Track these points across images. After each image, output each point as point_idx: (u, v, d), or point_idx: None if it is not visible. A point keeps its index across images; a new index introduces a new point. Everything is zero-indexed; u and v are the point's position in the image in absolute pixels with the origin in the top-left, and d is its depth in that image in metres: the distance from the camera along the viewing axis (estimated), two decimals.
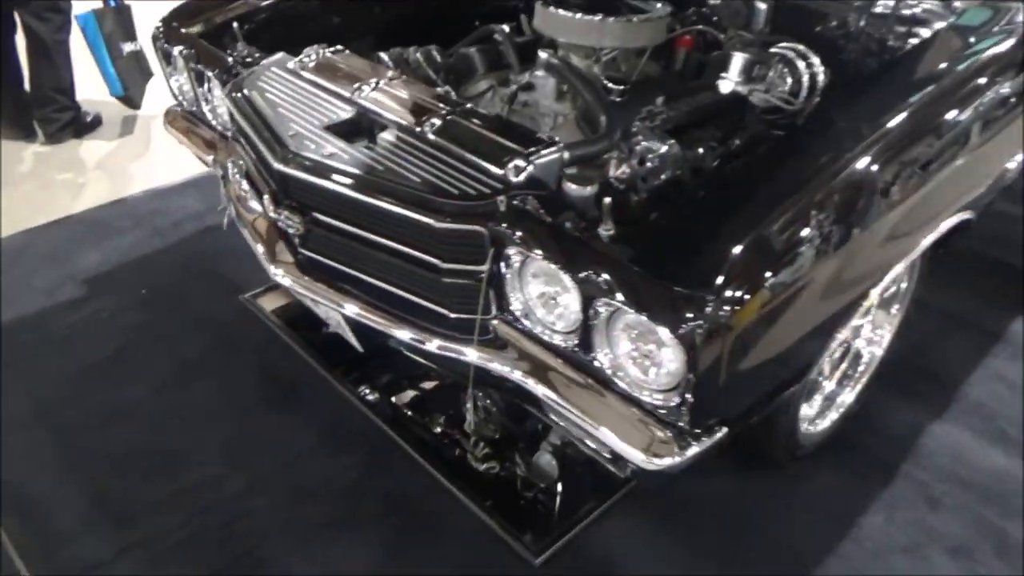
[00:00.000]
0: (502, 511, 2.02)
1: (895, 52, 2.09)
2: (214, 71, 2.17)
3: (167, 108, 2.50)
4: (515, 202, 1.50)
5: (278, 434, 2.20)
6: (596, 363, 1.44)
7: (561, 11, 2.11)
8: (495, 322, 1.61)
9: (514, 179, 1.53)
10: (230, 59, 2.13)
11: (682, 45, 2.35)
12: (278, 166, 1.70)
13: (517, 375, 1.54)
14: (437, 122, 1.70)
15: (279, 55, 2.08)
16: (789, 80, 2.06)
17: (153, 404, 2.30)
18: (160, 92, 3.97)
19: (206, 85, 2.26)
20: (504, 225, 1.48)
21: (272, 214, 1.79)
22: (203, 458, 2.13)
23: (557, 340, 1.50)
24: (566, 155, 1.62)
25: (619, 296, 1.32)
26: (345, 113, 1.81)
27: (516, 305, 1.55)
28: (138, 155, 3.90)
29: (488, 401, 2.21)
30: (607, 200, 1.40)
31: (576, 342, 1.46)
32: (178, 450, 2.15)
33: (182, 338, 2.53)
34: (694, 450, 1.36)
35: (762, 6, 2.24)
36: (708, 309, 1.24)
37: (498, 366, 1.57)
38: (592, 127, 1.99)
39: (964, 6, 2.09)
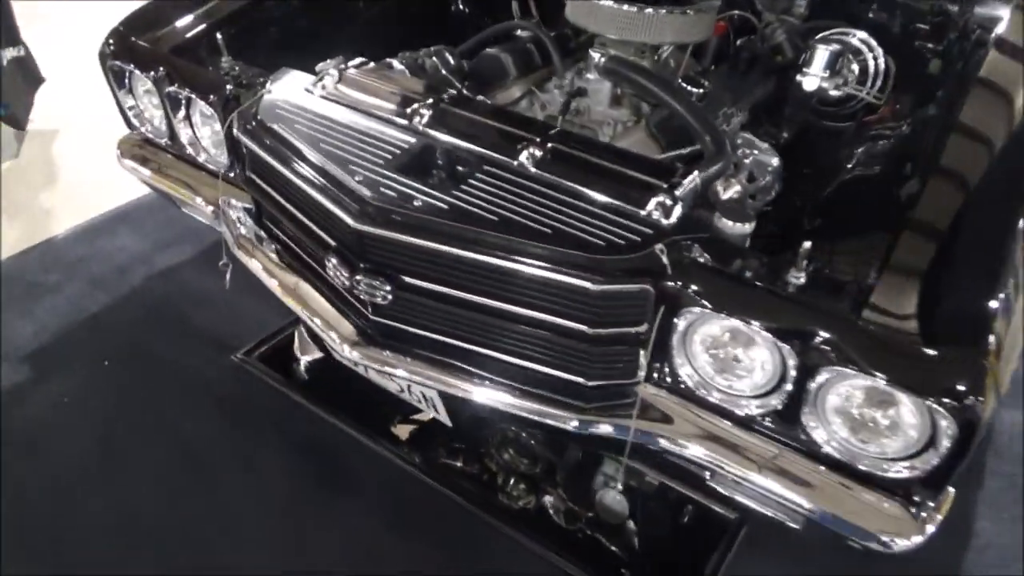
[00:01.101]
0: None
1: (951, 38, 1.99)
2: (202, 96, 1.75)
3: (121, 138, 2.03)
4: (679, 250, 1.27)
5: (339, 521, 1.86)
6: (805, 434, 1.25)
7: (608, 2, 1.85)
8: (650, 389, 1.37)
9: (665, 221, 1.29)
10: (226, 81, 1.72)
11: (715, 33, 2.16)
12: (358, 225, 1.37)
13: (700, 452, 1.32)
14: (537, 153, 1.42)
15: (288, 73, 1.71)
16: (856, 68, 1.92)
17: (171, 512, 1.87)
18: (51, 100, 3.51)
19: (182, 111, 1.84)
20: (675, 280, 1.24)
21: (344, 281, 1.45)
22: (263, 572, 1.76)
23: (745, 409, 1.29)
24: (698, 182, 1.39)
25: (849, 360, 1.13)
26: (404, 145, 1.49)
27: (685, 369, 1.32)
28: (40, 185, 3.25)
29: (522, 434, 2.01)
30: (807, 245, 1.19)
31: (773, 410, 1.26)
32: (228, 567, 1.76)
33: (176, 418, 2.10)
34: (936, 522, 1.20)
35: None
36: (978, 374, 1.07)
37: (669, 444, 1.34)
38: (672, 137, 1.76)
39: None
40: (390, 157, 1.47)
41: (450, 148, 1.47)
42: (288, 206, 1.57)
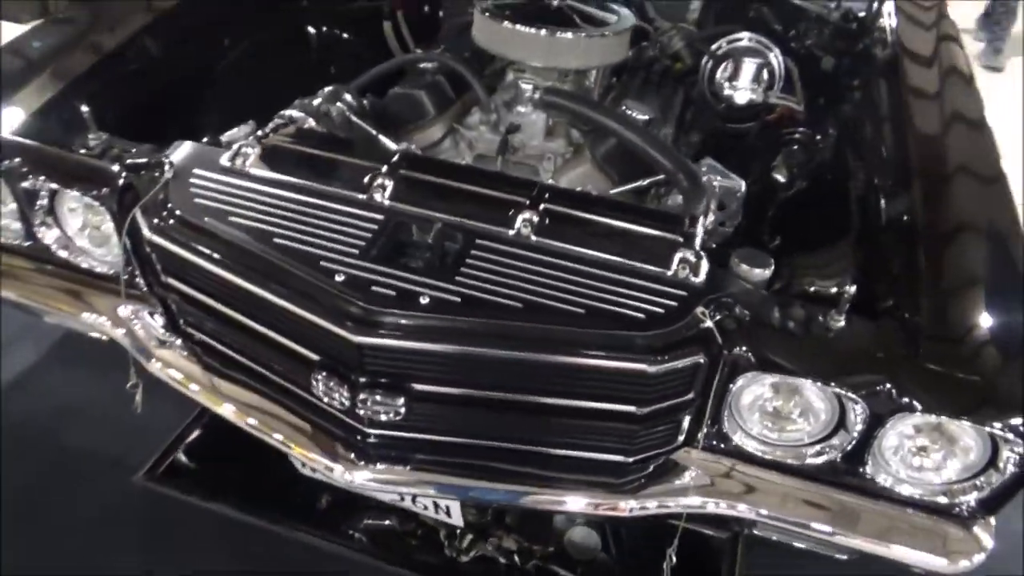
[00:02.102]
0: None
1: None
2: (79, 189, 1.40)
3: None
4: (718, 310, 1.19)
5: None
6: (864, 475, 1.24)
7: (527, 29, 1.72)
8: (697, 454, 1.30)
9: (695, 279, 1.22)
10: (107, 166, 1.38)
11: None
12: (360, 338, 1.15)
13: (762, 511, 1.26)
14: (532, 218, 1.28)
15: (187, 148, 1.41)
16: (765, 74, 1.95)
17: None
18: None
19: (39, 204, 1.46)
20: (727, 346, 1.17)
21: (342, 401, 1.22)
22: None
23: (801, 460, 1.26)
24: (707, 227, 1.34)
25: (912, 401, 1.12)
26: (372, 226, 1.28)
27: (734, 429, 1.26)
28: None
29: None
30: (851, 289, 1.17)
31: (834, 458, 1.24)
32: None
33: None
34: (992, 536, 1.25)
35: None
36: None
37: (728, 508, 1.28)
38: (623, 168, 1.69)
39: None
40: (363, 244, 1.25)
41: (429, 225, 1.28)
42: (241, 319, 1.30)
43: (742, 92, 1.79)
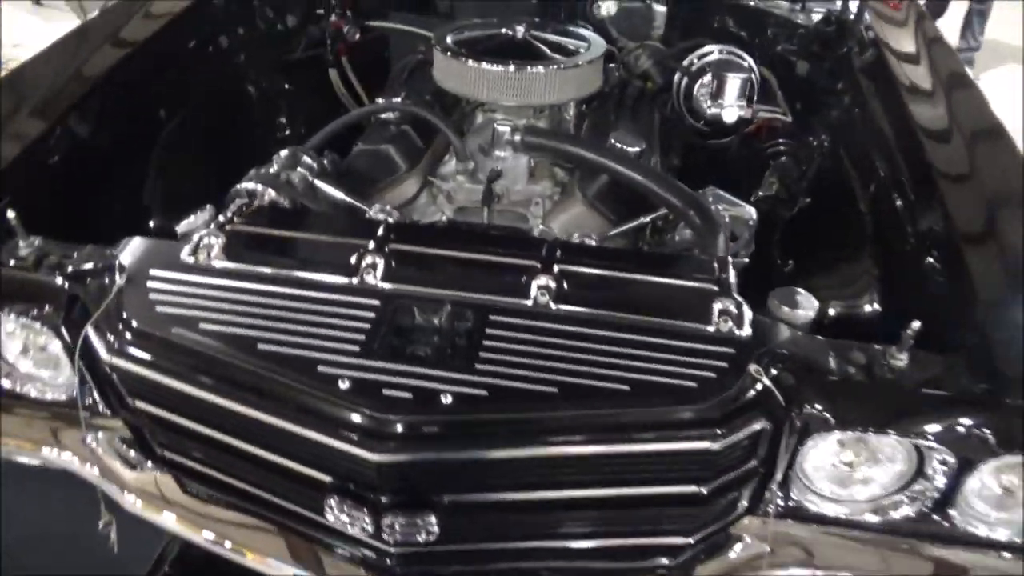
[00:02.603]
0: None
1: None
2: (10, 309, 1.20)
3: None
4: (772, 365, 1.07)
5: None
6: (946, 522, 1.12)
7: (494, 66, 1.58)
8: (760, 523, 1.17)
9: (740, 332, 1.09)
10: (54, 278, 1.18)
11: None
12: (380, 457, 0.98)
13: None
14: (548, 283, 1.13)
15: (137, 244, 1.22)
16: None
17: None
18: None
19: None
20: (791, 407, 1.05)
21: (364, 527, 1.05)
22: None
23: (876, 516, 1.14)
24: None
25: (1013, 443, 1.02)
26: (369, 314, 1.12)
27: (800, 491, 1.14)
28: None
29: None
30: (915, 325, 1.06)
31: (916, 510, 1.12)
32: None
33: None
34: None
35: (661, 9, 1.98)
36: None
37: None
38: (618, 206, 1.56)
39: None
40: (362, 337, 1.08)
41: (434, 305, 1.12)
42: (231, 441, 1.11)
43: (729, 110, 1.68)
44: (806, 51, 1.93)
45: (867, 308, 1.43)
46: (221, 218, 1.27)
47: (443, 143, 1.75)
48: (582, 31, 1.82)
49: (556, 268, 1.16)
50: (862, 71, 1.72)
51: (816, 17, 1.94)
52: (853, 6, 1.88)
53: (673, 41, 2.00)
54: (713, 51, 1.89)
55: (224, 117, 1.87)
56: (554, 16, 2.05)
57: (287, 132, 2.07)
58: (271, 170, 1.57)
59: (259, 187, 1.49)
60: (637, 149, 1.54)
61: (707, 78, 1.82)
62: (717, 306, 1.11)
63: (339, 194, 1.59)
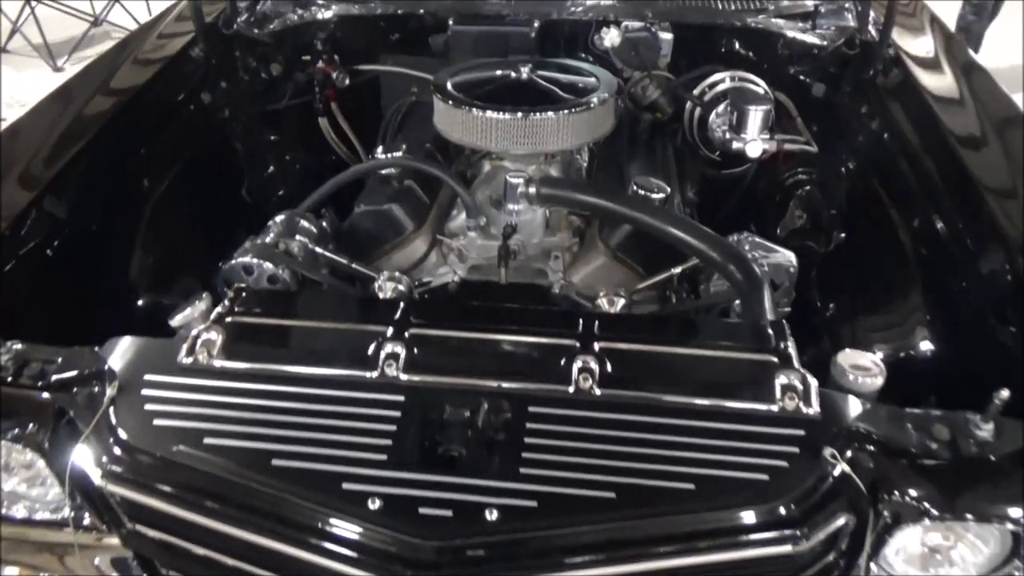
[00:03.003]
0: None
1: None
2: None
3: None
4: (848, 445, 0.96)
5: None
6: None
7: (496, 114, 1.47)
8: None
9: (808, 410, 0.98)
10: (39, 393, 1.05)
11: None
12: None
13: None
14: (590, 364, 1.02)
15: (124, 345, 1.10)
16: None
17: None
18: None
19: None
20: (875, 496, 0.93)
21: None
22: None
23: None
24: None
25: None
26: (393, 413, 1.00)
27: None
28: None
29: None
30: (1004, 394, 0.95)
31: None
32: None
33: None
34: None
35: (667, 36, 1.87)
36: None
37: None
38: (645, 257, 1.45)
39: None
40: (387, 443, 0.96)
41: (465, 398, 1.00)
42: (249, 569, 0.99)
43: (753, 144, 1.58)
44: (821, 72, 1.83)
45: (920, 351, 1.33)
46: (220, 309, 1.14)
47: (449, 195, 1.64)
48: (588, 66, 1.71)
49: (597, 346, 1.05)
50: (889, 93, 1.62)
51: (825, 35, 1.85)
52: (867, 23, 1.79)
53: (681, 69, 1.89)
54: (725, 78, 1.80)
55: (213, 180, 1.75)
56: (554, 50, 1.95)
57: (280, 192, 1.95)
58: (267, 239, 1.46)
59: (255, 261, 1.38)
60: (662, 195, 1.43)
61: (722, 107, 1.73)
62: (780, 380, 1.00)
63: (343, 261, 1.48)
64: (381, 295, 1.41)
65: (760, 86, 1.79)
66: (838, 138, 1.75)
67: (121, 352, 1.09)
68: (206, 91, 1.79)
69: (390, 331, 1.08)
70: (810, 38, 1.84)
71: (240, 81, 1.92)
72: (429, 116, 1.87)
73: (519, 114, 1.46)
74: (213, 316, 1.13)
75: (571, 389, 1.01)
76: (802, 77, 1.89)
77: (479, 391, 1.01)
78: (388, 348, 1.05)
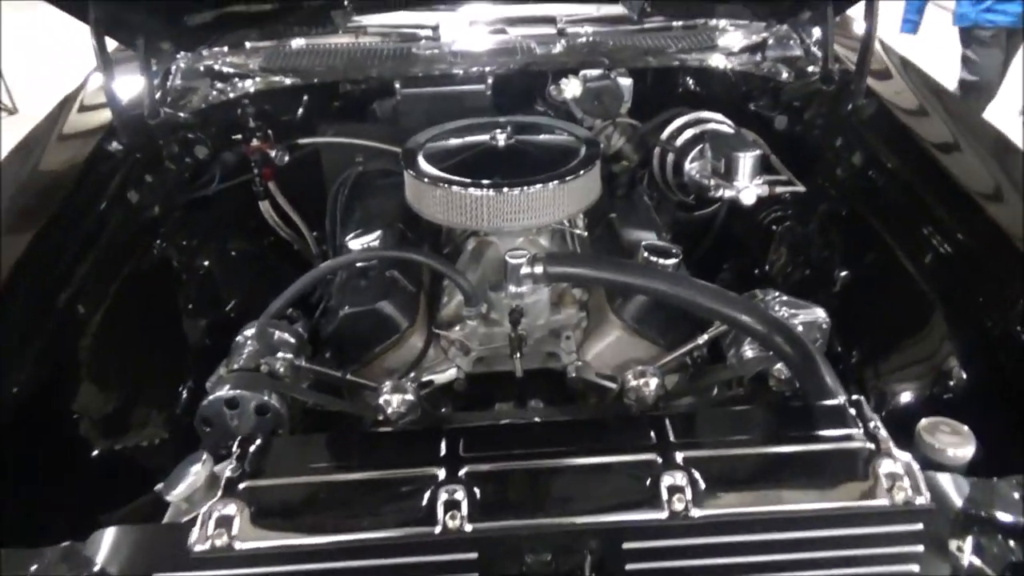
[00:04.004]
0: None
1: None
2: None
3: None
4: (969, 534, 0.89)
5: None
6: None
7: (483, 191, 1.34)
8: None
9: (922, 500, 0.90)
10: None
11: None
12: None
13: None
14: (679, 483, 0.91)
15: (111, 539, 0.90)
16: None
17: None
18: None
19: None
20: None
21: None
22: None
23: None
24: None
25: None
26: (461, 571, 0.86)
27: None
28: None
29: None
30: None
31: None
32: None
33: None
34: None
35: (627, 82, 1.80)
36: None
37: None
38: (664, 327, 1.36)
39: None
40: None
41: (546, 540, 0.87)
42: None
43: (747, 192, 1.52)
44: (783, 106, 1.81)
45: (957, 384, 1.30)
46: (228, 473, 0.96)
47: (434, 278, 1.50)
48: (559, 123, 1.62)
49: (679, 457, 0.94)
50: (865, 124, 1.61)
51: (788, 68, 1.83)
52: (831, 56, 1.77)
53: (644, 115, 1.83)
54: (691, 120, 1.75)
55: (155, 293, 1.53)
56: (509, 105, 1.85)
57: (232, 301, 1.74)
58: (242, 360, 1.27)
59: (238, 393, 1.19)
60: (674, 261, 1.34)
61: (696, 151, 1.67)
62: (882, 469, 0.92)
63: (336, 374, 1.31)
64: (389, 409, 1.26)
65: (728, 125, 1.75)
66: (811, 172, 1.73)
67: (114, 546, 0.89)
68: (131, 189, 1.56)
69: (442, 473, 0.92)
70: (776, 73, 1.82)
71: (166, 172, 1.70)
72: (385, 188, 1.72)
73: (510, 189, 1.34)
74: (223, 483, 0.94)
75: (664, 515, 0.89)
76: (762, 112, 1.87)
77: (561, 531, 0.87)
78: (445, 494, 0.90)
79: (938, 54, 4.03)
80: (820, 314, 1.29)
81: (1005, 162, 1.49)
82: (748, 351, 1.30)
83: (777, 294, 1.32)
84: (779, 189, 1.56)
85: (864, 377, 1.42)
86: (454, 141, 1.52)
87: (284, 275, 1.88)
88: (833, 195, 1.66)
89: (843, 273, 1.55)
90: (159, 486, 1.01)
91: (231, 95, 1.80)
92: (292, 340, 1.33)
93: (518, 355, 1.33)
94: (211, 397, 1.19)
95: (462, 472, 0.93)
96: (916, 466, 0.93)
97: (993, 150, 1.54)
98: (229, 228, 1.86)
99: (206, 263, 1.74)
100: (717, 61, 1.86)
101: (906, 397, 1.38)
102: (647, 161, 1.82)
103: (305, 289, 1.40)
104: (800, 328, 1.27)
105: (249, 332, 1.32)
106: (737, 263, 1.93)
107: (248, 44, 1.88)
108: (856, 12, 1.73)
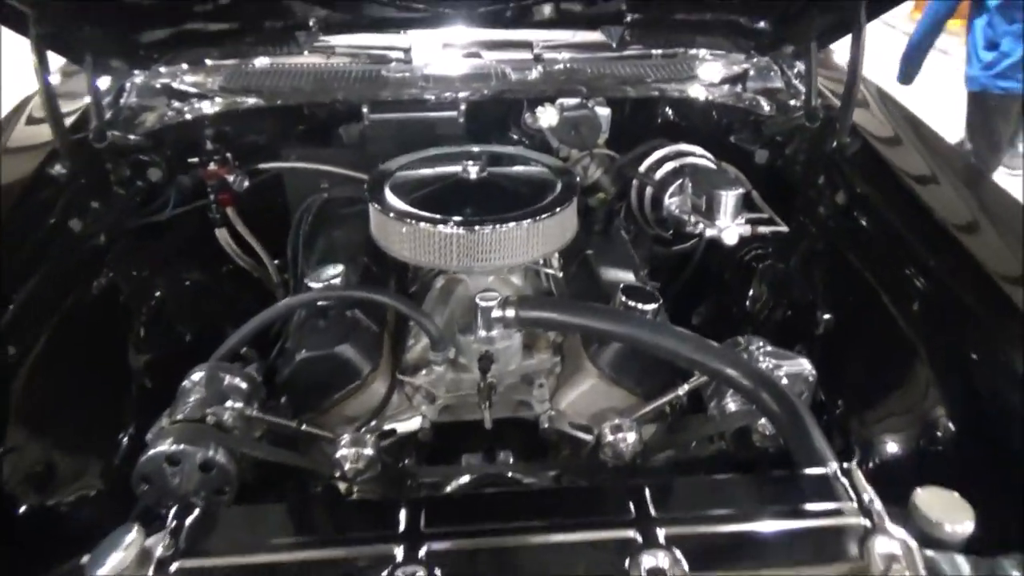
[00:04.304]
0: None
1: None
2: None
3: None
4: None
5: None
6: None
7: (456, 229, 1.26)
8: None
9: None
10: None
11: None
12: None
13: None
14: (661, 564, 0.82)
15: None
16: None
17: None
18: None
19: None
20: None
21: None
22: None
23: None
24: None
25: None
26: None
27: None
28: None
29: None
30: None
31: None
32: None
33: None
34: None
35: (605, 112, 1.74)
36: None
37: None
38: (643, 375, 1.29)
39: None
40: None
41: None
42: None
43: (730, 231, 1.46)
44: (764, 139, 1.76)
45: (944, 435, 1.25)
46: (160, 550, 0.86)
47: (399, 317, 1.41)
48: (537, 155, 1.55)
49: (660, 534, 0.86)
50: (850, 163, 1.56)
51: (768, 101, 1.78)
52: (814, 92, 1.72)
53: (621, 145, 1.76)
54: (670, 152, 1.69)
55: (97, 331, 1.42)
56: (481, 132, 1.77)
57: (185, 336, 1.64)
58: (187, 409, 1.16)
59: (181, 448, 1.09)
60: (654, 306, 1.27)
61: (675, 186, 1.60)
62: (878, 549, 0.85)
63: (289, 424, 1.21)
64: (346, 465, 1.17)
65: (709, 159, 1.69)
66: (792, 209, 1.67)
67: None
68: (74, 217, 1.46)
69: (400, 551, 0.84)
70: (757, 106, 1.77)
71: (114, 196, 1.59)
72: (351, 218, 1.64)
73: (482, 227, 1.26)
74: (154, 563, 0.84)
75: None
76: (743, 144, 1.81)
77: None
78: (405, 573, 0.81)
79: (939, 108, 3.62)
80: (806, 366, 1.22)
81: (991, 202, 1.45)
82: (731, 403, 1.23)
83: (761, 343, 1.25)
84: (762, 229, 1.51)
85: (849, 426, 1.36)
86: (423, 171, 1.44)
87: (243, 307, 1.78)
88: (815, 233, 1.60)
89: (826, 316, 1.49)
90: (85, 559, 0.91)
91: (188, 116, 1.69)
92: (244, 386, 1.23)
93: (487, 404, 1.25)
94: (151, 452, 1.08)
95: (422, 551, 0.84)
96: (914, 544, 0.86)
97: (977, 188, 1.51)
98: (183, 256, 1.75)
99: (157, 294, 1.63)
100: (697, 92, 1.80)
101: (893, 449, 1.32)
102: (624, 193, 1.75)
103: (259, 330, 1.31)
104: (785, 380, 1.20)
105: (197, 376, 1.22)
106: (715, 301, 1.87)
107: (209, 62, 1.78)
108: (839, 43, 1.68)
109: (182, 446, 1.09)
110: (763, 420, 1.19)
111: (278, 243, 1.78)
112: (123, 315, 1.51)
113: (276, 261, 1.88)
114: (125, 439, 1.33)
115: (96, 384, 1.36)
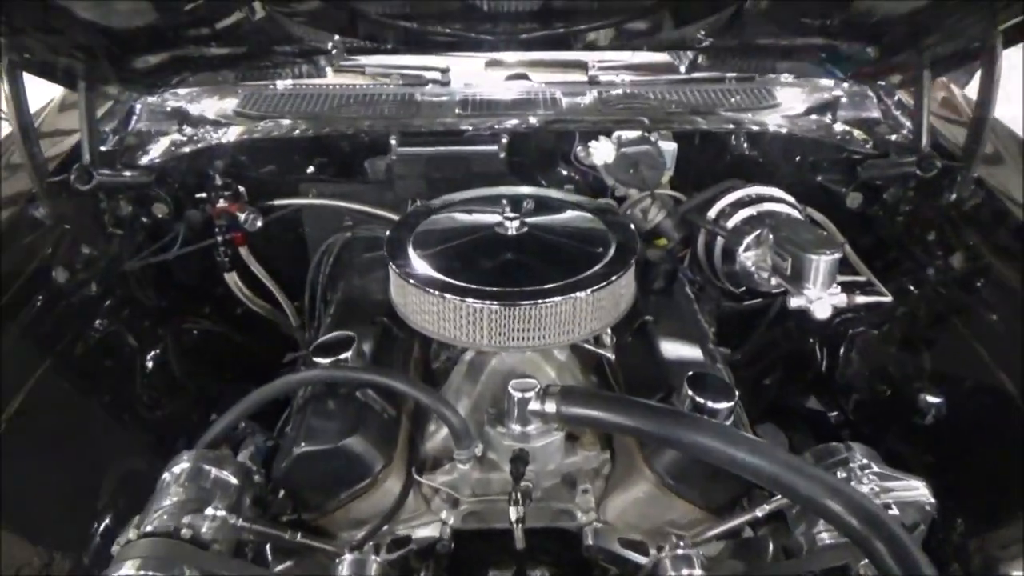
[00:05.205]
0: None
1: None
2: None
3: None
4: None
5: None
6: None
7: (494, 304, 1.04)
8: None
9: None
10: None
11: None
12: None
13: None
14: None
15: None
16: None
17: None
18: None
19: None
20: None
21: None
22: None
23: None
24: None
25: None
26: None
27: None
28: None
29: None
30: None
31: None
32: None
33: None
34: None
35: (670, 147, 1.49)
36: None
37: None
38: (706, 484, 1.05)
39: None
40: None
41: None
42: None
43: (821, 304, 1.20)
44: (860, 183, 1.49)
45: None
46: None
47: (417, 411, 1.19)
48: (586, 201, 1.32)
49: None
50: (969, 220, 1.29)
51: (846, 132, 1.52)
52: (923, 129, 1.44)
53: (687, 185, 1.52)
54: (747, 195, 1.43)
55: (83, 395, 1.25)
56: (525, 167, 1.55)
57: (189, 395, 1.46)
58: (161, 514, 0.96)
59: (146, 575, 0.89)
60: (729, 404, 1.03)
61: (751, 238, 1.35)
62: None
63: (283, 536, 1.01)
64: None
65: (791, 204, 1.43)
66: (890, 268, 1.41)
67: None
68: (59, 266, 1.28)
69: None
70: (850, 141, 1.50)
71: (110, 239, 1.42)
72: (374, 263, 1.43)
73: (519, 303, 1.04)
74: None
75: None
76: (831, 186, 1.55)
77: None
78: None
79: None
80: (922, 491, 0.97)
81: None
82: (824, 533, 0.98)
83: (864, 461, 1.00)
84: (860, 299, 1.24)
85: (968, 550, 1.10)
86: (454, 220, 1.23)
87: (257, 357, 1.59)
88: (918, 299, 1.34)
89: (934, 400, 1.22)
90: None
91: (199, 145, 1.51)
92: (233, 481, 1.03)
93: (519, 513, 1.02)
94: (112, 575, 0.90)
95: None
96: None
97: None
98: (191, 301, 1.57)
99: (158, 350, 1.46)
100: (778, 123, 1.55)
101: None
102: (689, 241, 1.51)
103: (253, 411, 1.12)
104: (895, 511, 0.95)
105: (178, 469, 1.03)
106: (792, 362, 1.61)
107: (224, 83, 1.60)
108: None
109: (147, 572, 0.90)
110: (865, 561, 0.94)
111: (297, 281, 1.60)
112: (115, 374, 1.34)
113: (296, 304, 1.69)
114: (99, 531, 1.15)
115: (71, 461, 1.18)
